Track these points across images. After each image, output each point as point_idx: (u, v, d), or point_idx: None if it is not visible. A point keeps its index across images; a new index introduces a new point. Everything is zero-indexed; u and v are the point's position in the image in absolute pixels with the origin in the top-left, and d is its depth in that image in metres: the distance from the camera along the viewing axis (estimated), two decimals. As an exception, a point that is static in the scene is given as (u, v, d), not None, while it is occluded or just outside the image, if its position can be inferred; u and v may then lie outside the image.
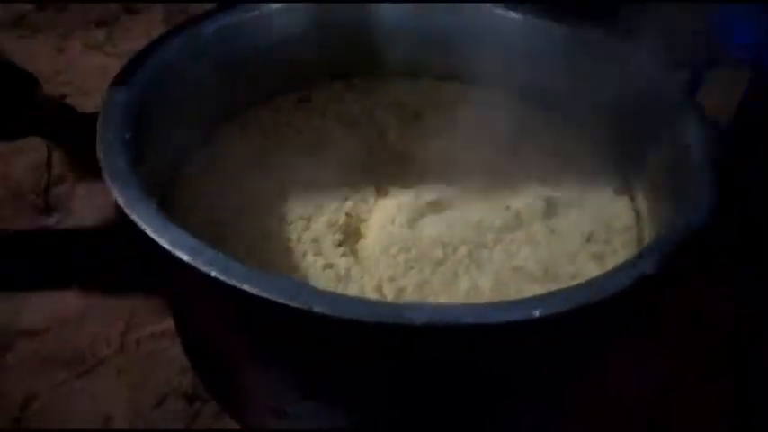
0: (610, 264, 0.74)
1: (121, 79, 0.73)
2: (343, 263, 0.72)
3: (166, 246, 0.52)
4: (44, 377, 0.79)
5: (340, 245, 0.74)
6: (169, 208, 0.77)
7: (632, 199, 0.84)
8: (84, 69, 1.31)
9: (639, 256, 0.54)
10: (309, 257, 0.73)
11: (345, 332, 0.49)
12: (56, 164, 1.10)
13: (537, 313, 0.48)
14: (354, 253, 0.75)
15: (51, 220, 1.00)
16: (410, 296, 0.69)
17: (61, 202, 1.02)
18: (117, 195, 0.57)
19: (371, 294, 0.70)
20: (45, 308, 0.87)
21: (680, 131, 0.74)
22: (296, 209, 0.78)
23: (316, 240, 0.75)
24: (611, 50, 0.87)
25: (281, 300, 0.48)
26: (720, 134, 0.70)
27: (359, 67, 1.00)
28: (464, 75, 0.99)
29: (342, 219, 0.77)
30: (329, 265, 0.72)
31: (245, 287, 0.49)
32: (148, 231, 0.53)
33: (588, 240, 0.77)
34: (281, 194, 0.80)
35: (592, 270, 0.74)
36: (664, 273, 0.54)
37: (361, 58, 1.00)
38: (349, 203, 0.79)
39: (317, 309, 0.47)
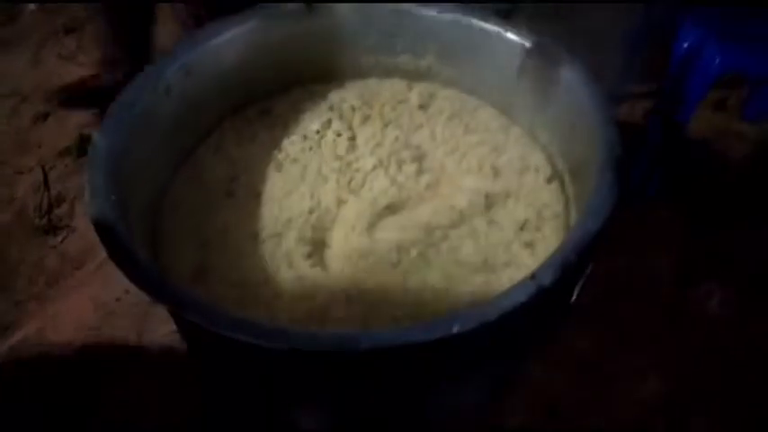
0: (540, 250, 0.87)
1: (102, 126, 0.84)
2: (312, 273, 0.85)
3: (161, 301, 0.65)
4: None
5: (309, 256, 0.87)
6: (162, 233, 0.90)
7: (562, 184, 0.95)
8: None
9: (533, 275, 0.66)
10: (283, 271, 0.85)
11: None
12: (53, 183, 1.21)
13: (455, 329, 0.62)
14: (322, 263, 0.87)
15: (56, 240, 1.12)
16: (372, 297, 0.83)
17: (64, 221, 1.14)
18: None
19: (340, 296, 0.83)
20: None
21: (592, 130, 0.85)
22: (267, 226, 0.90)
23: (287, 255, 0.87)
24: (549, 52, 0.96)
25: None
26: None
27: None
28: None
29: (309, 232, 0.89)
30: (300, 277, 0.85)
31: (225, 333, 0.62)
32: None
33: (522, 228, 0.90)
34: (254, 212, 0.92)
35: (524, 257, 0.87)
36: (560, 284, 0.66)
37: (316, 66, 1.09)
38: (314, 216, 0.91)
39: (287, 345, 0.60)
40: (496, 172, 0.97)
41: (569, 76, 0.92)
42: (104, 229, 0.71)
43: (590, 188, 0.80)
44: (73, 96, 1.26)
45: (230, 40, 0.99)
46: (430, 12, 1.04)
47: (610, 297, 1.10)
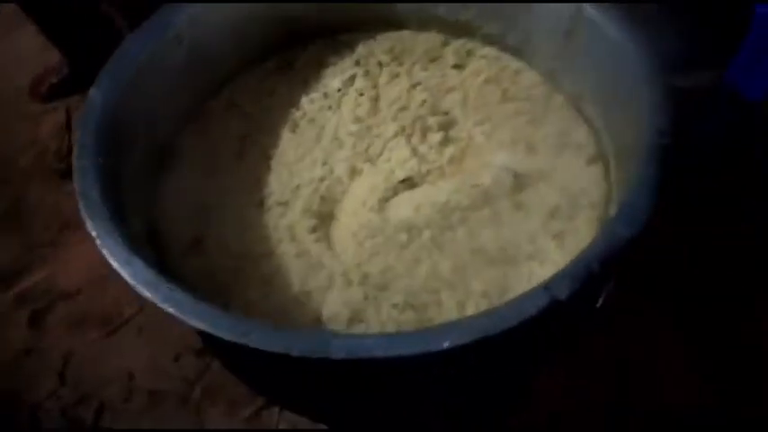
0: (569, 244, 0.77)
1: (99, 79, 0.78)
2: (315, 249, 0.79)
3: (129, 280, 0.60)
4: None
5: (314, 230, 0.80)
6: (163, 193, 0.85)
7: (606, 168, 0.84)
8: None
9: (548, 284, 0.57)
10: (284, 245, 0.79)
11: (277, 361, 0.57)
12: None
13: (446, 345, 0.54)
14: (327, 238, 0.80)
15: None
16: (374, 281, 0.76)
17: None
18: (87, 224, 0.64)
19: (339, 279, 0.76)
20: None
21: (641, 109, 0.73)
22: (274, 193, 0.84)
23: (291, 227, 0.81)
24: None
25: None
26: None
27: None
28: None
29: (316, 204, 0.82)
30: (302, 253, 0.79)
31: (196, 323, 0.57)
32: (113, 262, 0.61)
33: (552, 216, 0.80)
34: (263, 176, 0.86)
35: (550, 250, 0.77)
36: (578, 297, 0.57)
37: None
38: (324, 185, 0.84)
39: (252, 344, 0.55)
40: (531, 148, 0.86)
41: (623, 43, 0.79)
42: (87, 204, 0.66)
43: (632, 180, 0.69)
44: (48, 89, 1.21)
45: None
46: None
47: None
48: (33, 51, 1.27)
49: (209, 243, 0.80)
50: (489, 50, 0.97)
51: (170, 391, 0.86)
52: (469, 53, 0.98)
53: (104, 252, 0.62)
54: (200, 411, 0.86)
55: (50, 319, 0.95)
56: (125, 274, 0.61)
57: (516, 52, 0.96)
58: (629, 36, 0.79)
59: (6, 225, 1.05)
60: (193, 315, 0.57)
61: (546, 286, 0.58)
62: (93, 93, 0.75)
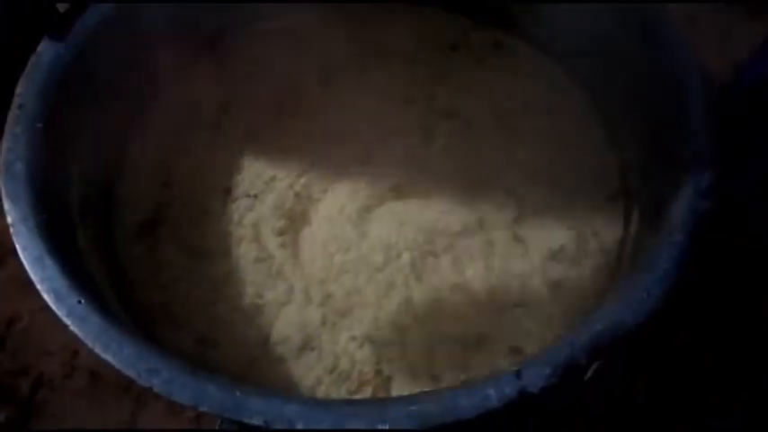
0: (566, 296, 0.67)
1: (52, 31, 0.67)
2: (278, 256, 0.69)
3: (37, 285, 0.51)
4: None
5: (281, 233, 0.71)
6: (121, 161, 0.76)
7: (627, 209, 0.72)
8: None
9: (519, 371, 0.47)
10: (245, 245, 0.70)
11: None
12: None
13: (383, 427, 0.45)
14: (294, 244, 0.70)
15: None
16: (337, 304, 0.67)
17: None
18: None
19: (299, 296, 0.67)
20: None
21: (682, 154, 0.61)
22: (245, 182, 0.74)
23: (256, 225, 0.71)
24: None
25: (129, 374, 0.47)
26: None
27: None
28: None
29: (290, 201, 0.72)
30: (263, 258, 0.69)
31: (96, 349, 0.48)
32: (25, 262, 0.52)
33: (554, 258, 0.69)
34: (236, 159, 0.76)
35: (543, 300, 0.66)
36: (555, 388, 0.47)
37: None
38: (303, 180, 0.74)
39: (156, 389, 0.46)
40: (547, 172, 0.74)
41: (678, 71, 0.65)
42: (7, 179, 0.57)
43: (654, 241, 0.58)
44: None
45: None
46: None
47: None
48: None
49: (161, 229, 0.71)
50: (521, 45, 0.84)
51: (112, 376, 0.80)
52: (497, 45, 0.84)
53: (16, 242, 0.53)
54: (139, 402, 0.79)
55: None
56: (33, 274, 0.52)
57: (551, 51, 0.83)
58: (686, 63, 0.65)
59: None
60: (94, 337, 0.48)
61: (517, 372, 0.47)
62: (44, 47, 0.65)
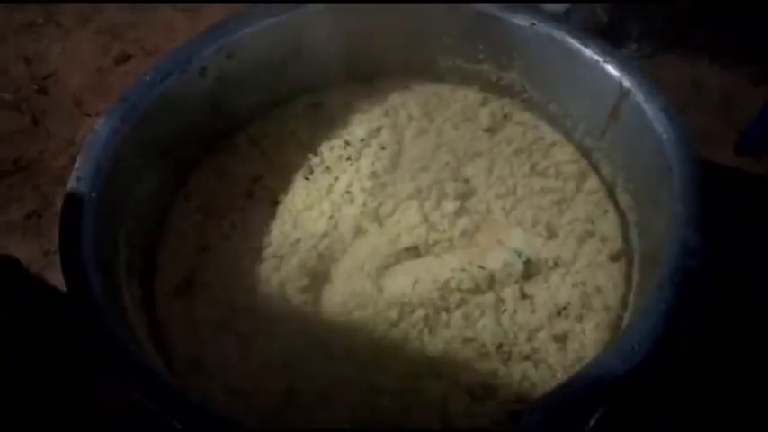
0: (571, 349, 0.71)
1: (109, 111, 0.77)
2: (300, 312, 0.75)
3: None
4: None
5: (305, 290, 0.77)
6: (166, 223, 0.84)
7: (629, 266, 0.77)
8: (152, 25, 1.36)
9: (517, 414, 0.51)
10: (273, 302, 0.76)
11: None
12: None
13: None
14: (317, 301, 0.77)
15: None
16: (355, 357, 0.71)
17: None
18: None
19: (320, 351, 0.72)
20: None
21: (674, 220, 0.66)
22: (273, 244, 0.81)
23: (282, 284, 0.77)
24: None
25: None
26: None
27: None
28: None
29: (313, 261, 0.79)
30: (288, 315, 0.74)
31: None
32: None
33: (559, 314, 0.73)
34: (266, 223, 0.83)
35: (549, 353, 0.71)
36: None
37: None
38: (326, 241, 0.80)
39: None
40: (552, 232, 0.80)
41: (667, 138, 0.71)
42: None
43: (646, 296, 0.62)
44: None
45: (284, 23, 0.88)
46: (522, 22, 0.85)
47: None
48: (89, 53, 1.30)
49: (197, 288, 0.78)
50: (528, 117, 0.91)
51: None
52: (506, 117, 0.92)
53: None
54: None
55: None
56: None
57: (556, 123, 0.90)
58: (675, 131, 0.71)
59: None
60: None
61: (515, 415, 0.52)
62: (101, 125, 0.74)
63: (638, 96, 0.76)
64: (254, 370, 0.71)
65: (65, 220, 0.67)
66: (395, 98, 0.95)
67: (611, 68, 0.79)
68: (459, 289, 0.75)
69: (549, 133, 0.89)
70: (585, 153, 0.87)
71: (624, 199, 0.81)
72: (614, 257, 0.77)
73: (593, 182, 0.84)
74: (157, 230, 0.83)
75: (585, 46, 0.81)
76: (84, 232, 0.67)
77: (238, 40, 0.85)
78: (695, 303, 0.59)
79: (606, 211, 0.81)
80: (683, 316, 0.56)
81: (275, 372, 0.71)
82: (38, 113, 1.19)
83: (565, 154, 0.87)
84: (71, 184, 0.71)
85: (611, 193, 0.83)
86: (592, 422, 0.65)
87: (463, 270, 0.76)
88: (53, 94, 1.23)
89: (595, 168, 0.86)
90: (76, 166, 0.72)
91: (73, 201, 0.68)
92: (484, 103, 0.94)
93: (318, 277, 0.78)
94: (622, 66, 0.78)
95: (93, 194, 0.70)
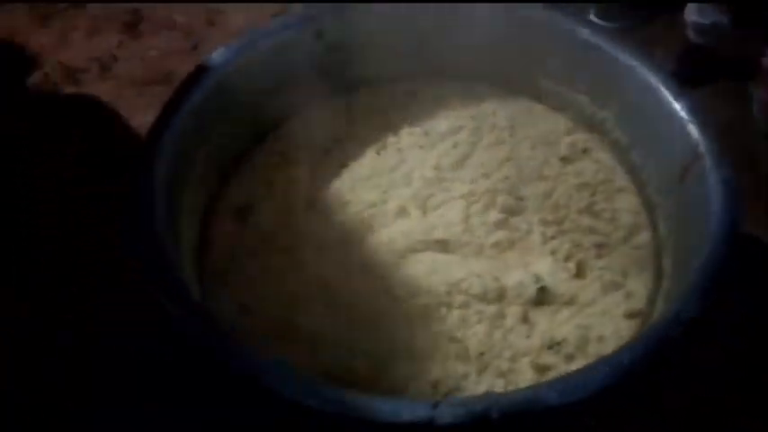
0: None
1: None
2: (326, 261, 0.82)
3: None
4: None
5: (335, 247, 0.83)
6: (244, 156, 0.94)
7: (642, 326, 0.75)
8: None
9: (437, 403, 0.54)
10: (307, 246, 0.84)
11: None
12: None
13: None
14: (344, 257, 0.82)
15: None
16: (353, 315, 0.77)
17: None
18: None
19: (325, 295, 0.79)
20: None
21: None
22: (327, 199, 0.89)
23: (321, 236, 0.84)
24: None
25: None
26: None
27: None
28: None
29: (354, 224, 0.85)
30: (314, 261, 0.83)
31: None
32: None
33: (551, 347, 0.74)
34: (330, 180, 0.91)
35: (524, 378, 0.72)
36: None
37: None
38: (371, 211, 0.86)
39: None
40: (581, 272, 0.80)
41: (714, 207, 0.69)
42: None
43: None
44: None
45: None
46: (627, 61, 0.85)
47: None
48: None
49: (252, 216, 0.88)
50: (607, 158, 0.90)
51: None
52: (585, 151, 0.92)
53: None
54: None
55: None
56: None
57: (633, 170, 0.88)
58: (724, 205, 0.68)
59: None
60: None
61: (435, 404, 0.55)
62: (215, 56, 0.86)
63: (707, 162, 0.73)
64: (265, 297, 0.80)
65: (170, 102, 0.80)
66: (487, 105, 0.98)
67: (692, 129, 0.76)
68: (466, 292, 0.78)
69: (620, 178, 0.88)
70: (650, 208, 0.84)
71: (667, 263, 0.78)
72: (631, 315, 0.76)
73: (643, 237, 0.82)
74: (238, 158, 0.95)
75: (677, 101, 0.79)
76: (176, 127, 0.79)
77: (361, 15, 0.93)
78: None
79: (643, 270, 0.79)
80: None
81: (282, 305, 0.79)
82: (200, 39, 1.36)
83: (628, 203, 0.85)
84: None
85: (658, 255, 0.80)
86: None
87: (478, 276, 0.79)
88: (218, 25, 1.40)
89: (654, 226, 0.83)
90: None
91: (189, 86, 0.81)
92: (569, 132, 0.94)
93: (353, 239, 0.85)
94: (702, 129, 0.75)
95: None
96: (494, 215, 0.85)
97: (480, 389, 0.71)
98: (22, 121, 1.15)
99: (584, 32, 0.88)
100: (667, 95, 0.80)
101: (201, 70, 0.85)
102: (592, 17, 1.22)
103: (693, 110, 0.77)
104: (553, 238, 0.83)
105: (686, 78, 1.22)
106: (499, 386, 0.71)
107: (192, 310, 0.66)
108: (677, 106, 0.79)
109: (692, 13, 1.10)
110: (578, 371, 0.59)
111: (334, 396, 0.56)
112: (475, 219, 0.85)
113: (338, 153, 0.95)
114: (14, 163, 1.08)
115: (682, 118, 0.78)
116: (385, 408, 0.55)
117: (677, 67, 1.22)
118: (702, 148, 0.74)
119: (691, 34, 1.12)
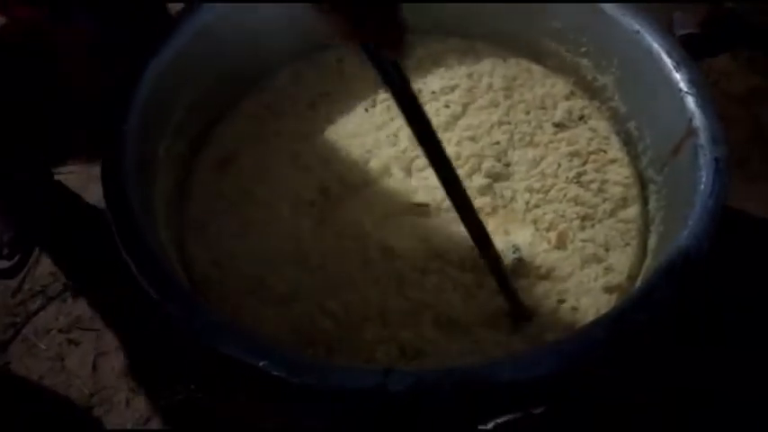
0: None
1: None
2: (300, 220, 0.81)
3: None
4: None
5: (312, 204, 0.82)
6: (232, 108, 0.92)
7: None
8: None
9: (389, 370, 0.53)
10: (283, 203, 0.82)
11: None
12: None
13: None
14: (319, 217, 0.81)
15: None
16: (324, 275, 0.76)
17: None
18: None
19: (298, 255, 0.78)
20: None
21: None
22: (309, 154, 0.86)
23: (297, 192, 0.83)
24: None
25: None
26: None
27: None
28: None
29: (333, 182, 0.83)
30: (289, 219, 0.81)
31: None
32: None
33: (526, 318, 0.72)
34: (314, 135, 0.89)
35: (491, 352, 0.70)
36: (410, 400, 0.53)
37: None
38: (354, 170, 0.84)
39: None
40: (561, 243, 0.78)
41: (702, 186, 0.66)
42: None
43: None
44: None
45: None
46: (629, 26, 0.80)
47: None
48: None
49: (233, 166, 0.86)
50: (603, 126, 0.87)
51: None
52: (582, 118, 0.88)
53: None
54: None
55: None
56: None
57: (629, 141, 0.84)
58: (714, 185, 0.65)
59: None
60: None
61: (386, 371, 0.54)
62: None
63: (701, 139, 0.69)
64: (240, 252, 0.79)
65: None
66: (486, 64, 0.94)
67: (689, 101, 0.72)
68: (443, 258, 0.76)
69: (615, 149, 0.84)
70: (643, 182, 0.81)
71: (653, 240, 0.76)
72: (609, 290, 0.74)
73: (631, 212, 0.79)
74: (224, 110, 0.92)
75: (677, 70, 0.75)
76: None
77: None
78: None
79: (627, 245, 0.77)
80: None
81: (256, 260, 0.78)
82: None
83: (619, 175, 0.82)
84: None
85: (645, 230, 0.78)
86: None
87: (457, 243, 0.77)
88: None
89: (644, 201, 0.80)
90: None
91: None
92: (567, 98, 0.90)
93: (331, 198, 0.83)
94: (701, 102, 0.71)
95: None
96: (478, 180, 0.82)
97: (449, 355, 0.70)
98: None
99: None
100: (668, 64, 0.76)
101: (186, 13, 0.83)
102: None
103: (693, 81, 0.73)
104: (536, 206, 0.80)
105: (708, 42, 1.18)
106: (467, 353, 0.70)
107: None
108: (677, 76, 0.75)
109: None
110: (535, 349, 0.58)
111: (285, 359, 0.56)
112: (459, 183, 0.82)
113: (326, 108, 0.92)
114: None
115: (680, 89, 0.74)
116: (337, 373, 0.55)
117: (701, 30, 1.17)
118: (698, 122, 0.70)
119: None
